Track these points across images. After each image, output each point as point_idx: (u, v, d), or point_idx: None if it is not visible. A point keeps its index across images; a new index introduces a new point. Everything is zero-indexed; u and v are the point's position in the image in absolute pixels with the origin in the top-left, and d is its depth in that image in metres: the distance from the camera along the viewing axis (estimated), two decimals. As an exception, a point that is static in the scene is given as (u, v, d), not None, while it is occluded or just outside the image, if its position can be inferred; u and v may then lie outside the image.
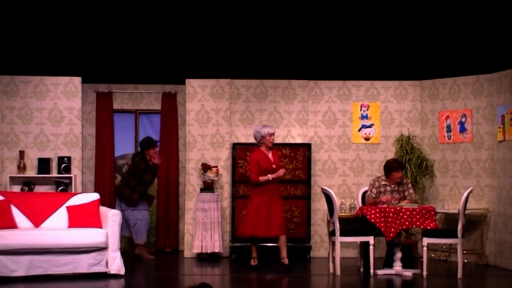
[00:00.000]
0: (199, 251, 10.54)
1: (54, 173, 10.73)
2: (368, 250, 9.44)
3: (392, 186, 9.40)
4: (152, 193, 11.58)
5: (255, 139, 9.66)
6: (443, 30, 10.70)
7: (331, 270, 9.33)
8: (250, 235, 9.61)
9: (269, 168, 9.51)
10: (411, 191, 9.46)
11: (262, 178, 9.49)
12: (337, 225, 9.20)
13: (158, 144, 11.12)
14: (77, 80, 10.92)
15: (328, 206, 9.42)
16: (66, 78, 10.90)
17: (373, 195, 9.36)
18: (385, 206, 9.15)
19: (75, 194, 9.71)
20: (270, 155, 9.62)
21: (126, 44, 11.16)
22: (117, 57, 11.25)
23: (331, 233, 9.36)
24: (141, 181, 10.50)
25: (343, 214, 10.56)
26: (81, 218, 9.21)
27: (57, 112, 10.86)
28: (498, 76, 10.08)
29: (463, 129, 10.56)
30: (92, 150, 11.44)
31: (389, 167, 9.35)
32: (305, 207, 10.59)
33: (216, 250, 10.56)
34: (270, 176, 9.47)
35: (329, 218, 9.45)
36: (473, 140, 10.44)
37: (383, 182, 9.42)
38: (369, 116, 11.08)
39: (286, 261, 9.45)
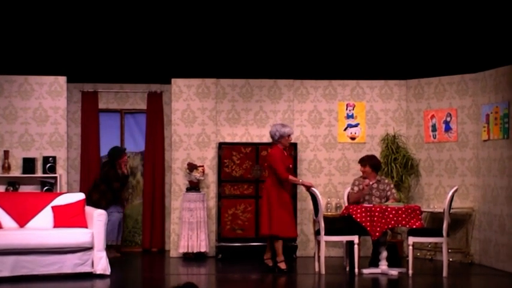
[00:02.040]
0: (186, 250, 10.53)
1: (39, 173, 10.68)
2: (353, 249, 9.47)
3: (371, 183, 9.50)
4: (138, 193, 11.57)
5: (272, 137, 9.47)
6: (428, 30, 10.74)
7: (316, 269, 9.34)
8: (287, 236, 9.37)
9: (287, 168, 9.41)
10: (393, 190, 9.54)
11: (292, 178, 9.40)
12: (322, 224, 9.22)
13: (128, 151, 11.18)
14: (62, 80, 10.87)
15: (313, 205, 9.43)
16: (51, 78, 10.86)
17: (354, 192, 9.48)
18: (371, 205, 9.19)
19: (61, 193, 9.67)
20: (285, 153, 9.54)
21: (111, 43, 11.12)
22: (102, 57, 11.20)
23: (317, 232, 9.38)
24: (110, 188, 10.60)
25: (329, 213, 10.58)
26: (66, 218, 9.17)
27: (42, 112, 10.81)
28: (483, 76, 10.13)
29: (448, 129, 10.61)
30: (77, 150, 11.39)
31: (358, 162, 9.76)
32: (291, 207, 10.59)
33: (202, 250, 10.55)
34: (301, 180, 9.48)
35: (314, 217, 9.48)
36: (458, 139, 10.49)
37: (362, 180, 9.58)
38: (354, 115, 11.10)
39: (284, 265, 9.39)
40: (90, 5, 10.60)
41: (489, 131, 9.86)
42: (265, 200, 9.37)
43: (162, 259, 10.77)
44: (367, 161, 9.61)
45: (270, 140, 10.86)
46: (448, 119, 10.60)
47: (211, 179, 10.87)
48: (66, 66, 11.05)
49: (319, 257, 9.28)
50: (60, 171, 10.74)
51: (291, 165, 9.60)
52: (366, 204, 9.29)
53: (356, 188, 9.50)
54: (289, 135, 9.44)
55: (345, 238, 9.36)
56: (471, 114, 10.34)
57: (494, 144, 9.78)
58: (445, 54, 10.68)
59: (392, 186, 9.61)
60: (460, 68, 10.50)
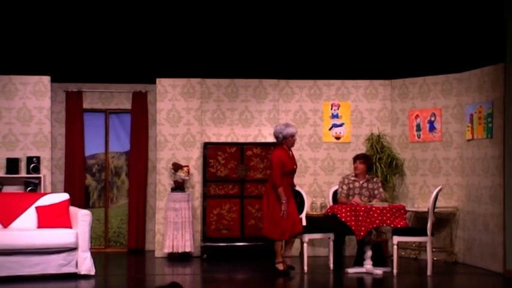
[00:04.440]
0: (171, 250, 10.51)
1: (23, 173, 10.62)
2: (339, 249, 9.52)
3: (361, 182, 9.48)
4: (122, 193, 11.53)
5: (276, 138, 9.28)
6: (412, 30, 10.78)
7: (302, 268, 9.36)
8: (291, 234, 9.13)
9: (291, 169, 9.19)
10: (381, 190, 9.54)
11: (282, 192, 9.01)
12: (304, 223, 9.27)
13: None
14: (46, 79, 10.82)
15: (297, 204, 9.45)
16: (35, 78, 10.80)
17: (345, 193, 9.43)
18: (356, 204, 9.20)
19: (45, 194, 9.63)
20: (290, 154, 9.31)
21: (96, 43, 11.08)
22: (87, 56, 11.16)
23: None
24: None
25: (314, 213, 10.60)
26: (50, 218, 9.13)
27: (26, 111, 10.76)
28: (467, 75, 10.18)
29: (432, 128, 10.65)
30: (61, 150, 11.34)
31: (354, 158, 9.61)
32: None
33: (187, 250, 10.54)
34: (284, 200, 8.98)
35: None
36: (442, 138, 10.53)
37: (352, 179, 9.53)
38: (339, 115, 11.12)
39: (281, 266, 9.22)
40: (74, 5, 10.56)
41: (473, 130, 9.91)
42: (265, 201, 9.23)
43: (147, 259, 10.74)
44: (364, 159, 9.58)
45: (256, 140, 10.91)
46: (433, 118, 10.64)
47: (196, 179, 10.85)
48: (50, 66, 10.99)
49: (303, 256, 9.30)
50: (45, 171, 10.69)
51: (295, 166, 9.31)
52: (350, 204, 9.30)
53: (345, 187, 9.46)
54: (293, 135, 9.22)
55: (323, 236, 9.46)
56: (455, 114, 10.38)
57: (478, 144, 9.83)
58: (430, 54, 10.72)
59: (380, 185, 9.62)
60: (444, 68, 10.54)
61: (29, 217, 9.24)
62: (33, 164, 10.57)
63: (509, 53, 8.87)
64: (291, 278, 9.04)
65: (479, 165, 9.75)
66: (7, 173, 10.58)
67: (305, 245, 9.33)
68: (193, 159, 10.89)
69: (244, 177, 10.67)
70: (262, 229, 9.36)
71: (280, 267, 9.16)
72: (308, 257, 9.37)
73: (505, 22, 8.94)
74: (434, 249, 9.60)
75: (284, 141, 9.21)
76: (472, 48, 10.10)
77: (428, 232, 9.08)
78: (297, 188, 9.49)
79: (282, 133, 9.18)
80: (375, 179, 9.63)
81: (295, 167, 9.30)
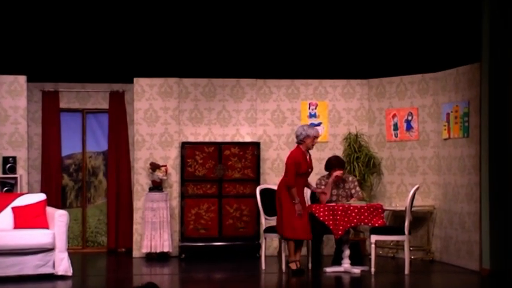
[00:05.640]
0: (149, 250, 10.48)
1: (-1, 173, 10.54)
2: (317, 248, 9.55)
3: (337, 183, 9.51)
4: (100, 193, 11.48)
5: (297, 137, 9.20)
6: (389, 30, 10.83)
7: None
8: (301, 238, 9.06)
9: (306, 171, 9.14)
10: (358, 188, 9.58)
11: (294, 193, 8.97)
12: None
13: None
14: (22, 79, 10.74)
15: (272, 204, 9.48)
16: (11, 77, 10.71)
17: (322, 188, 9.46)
18: (334, 204, 9.23)
19: (21, 194, 9.56)
20: (308, 157, 9.23)
21: (72, 42, 11.01)
22: (63, 56, 11.08)
23: (265, 230, 9.50)
24: None
25: (292, 212, 10.61)
26: (27, 218, 9.06)
27: (1, 111, 10.66)
28: (443, 75, 10.25)
29: (409, 127, 10.71)
30: (38, 150, 11.26)
31: (331, 165, 9.48)
32: (254, 206, 10.57)
33: (166, 250, 10.51)
34: (297, 200, 8.97)
35: (267, 217, 9.57)
36: (419, 137, 10.60)
37: (327, 180, 9.54)
38: (317, 114, 11.15)
39: (294, 265, 9.16)
40: (50, 4, 10.49)
41: (449, 129, 9.98)
42: (277, 202, 9.16)
43: (124, 259, 10.69)
44: (343, 165, 9.56)
45: (233, 140, 10.91)
46: (410, 118, 10.70)
47: (174, 178, 10.83)
48: (26, 66, 10.91)
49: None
50: (21, 171, 10.61)
51: (311, 170, 9.24)
52: (329, 203, 9.32)
53: (323, 188, 9.48)
54: (315, 137, 9.16)
55: None
56: (432, 113, 10.45)
57: (454, 143, 9.90)
58: (406, 53, 10.78)
59: (357, 183, 9.65)
60: (421, 67, 10.61)
61: (5, 218, 9.16)
62: (9, 164, 10.49)
63: (485, 52, 8.94)
64: (301, 275, 9.00)
65: (456, 164, 9.83)
66: (-17, 173, 10.49)
67: (283, 244, 9.34)
68: (171, 158, 10.87)
69: (222, 176, 10.67)
70: (278, 228, 9.16)
71: (293, 266, 9.07)
72: (286, 256, 9.37)
73: (480, 22, 9.01)
74: (411, 248, 9.66)
75: (304, 140, 9.14)
76: (448, 48, 10.18)
77: (406, 231, 9.13)
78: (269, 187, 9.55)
79: (306, 131, 9.12)
80: (350, 178, 9.66)
81: (310, 170, 9.23)
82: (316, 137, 9.21)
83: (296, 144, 9.29)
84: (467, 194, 9.51)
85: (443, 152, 10.19)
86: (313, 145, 9.23)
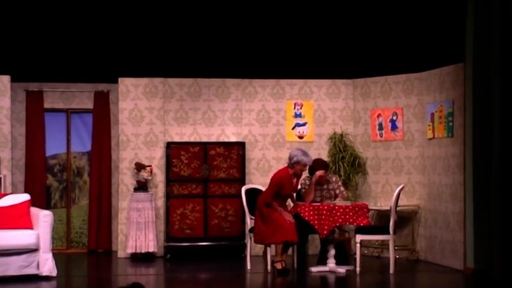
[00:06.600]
0: (134, 251, 10.45)
1: (-17, 174, 10.48)
2: (302, 247, 9.55)
3: (321, 183, 9.51)
4: (84, 193, 11.44)
5: (289, 159, 9.27)
6: (374, 30, 10.86)
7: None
8: (286, 240, 9.08)
9: (287, 193, 9.27)
10: (342, 188, 9.59)
11: (275, 205, 9.11)
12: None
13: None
14: (6, 79, 10.67)
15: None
16: (-5, 77, 10.65)
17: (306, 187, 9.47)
18: (319, 203, 9.25)
19: (5, 194, 9.49)
20: (294, 180, 9.31)
21: (57, 41, 10.97)
22: (47, 55, 11.03)
23: (250, 230, 9.47)
24: None
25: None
26: (11, 219, 9.01)
27: (-15, 111, 10.61)
28: (427, 75, 10.29)
29: (394, 127, 10.75)
30: (22, 150, 11.20)
31: (314, 167, 9.44)
32: (239, 206, 10.56)
33: (151, 250, 10.49)
34: (280, 210, 9.11)
35: (252, 216, 9.57)
36: (404, 137, 10.63)
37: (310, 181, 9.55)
38: (302, 114, 11.17)
39: (279, 265, 9.19)
40: (34, 3, 10.44)
41: (434, 129, 10.02)
42: (258, 215, 9.25)
43: (109, 260, 10.67)
44: (326, 166, 9.57)
45: (219, 140, 10.91)
46: (394, 117, 10.73)
47: (159, 178, 10.80)
48: (10, 65, 10.84)
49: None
50: (5, 171, 10.55)
51: (293, 193, 9.38)
52: (314, 203, 9.33)
53: (307, 187, 9.49)
54: (305, 165, 9.23)
55: None
56: (417, 113, 10.49)
57: (439, 143, 9.94)
58: (391, 53, 10.81)
59: (340, 183, 9.66)
60: (405, 67, 10.64)
61: (-12, 218, 9.10)
62: (-7, 164, 10.43)
63: (468, 53, 8.98)
64: (286, 276, 9.02)
65: (440, 163, 9.87)
66: (-34, 173, 10.42)
67: (272, 246, 9.31)
68: (156, 158, 10.85)
69: (208, 176, 10.66)
70: (257, 238, 9.26)
71: (279, 266, 9.10)
72: (271, 256, 9.38)
73: (464, 22, 9.05)
74: (396, 247, 9.69)
75: (294, 165, 9.22)
76: (432, 48, 10.22)
77: (391, 230, 9.15)
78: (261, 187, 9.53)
79: (298, 157, 9.17)
80: (334, 178, 9.66)
81: (293, 192, 9.36)
82: (306, 165, 9.24)
83: (286, 164, 9.33)
84: (452, 194, 9.55)
85: (428, 152, 10.23)
86: (302, 172, 9.28)
